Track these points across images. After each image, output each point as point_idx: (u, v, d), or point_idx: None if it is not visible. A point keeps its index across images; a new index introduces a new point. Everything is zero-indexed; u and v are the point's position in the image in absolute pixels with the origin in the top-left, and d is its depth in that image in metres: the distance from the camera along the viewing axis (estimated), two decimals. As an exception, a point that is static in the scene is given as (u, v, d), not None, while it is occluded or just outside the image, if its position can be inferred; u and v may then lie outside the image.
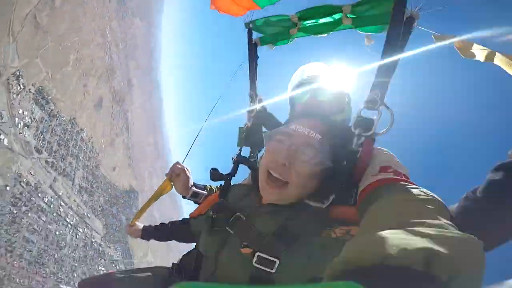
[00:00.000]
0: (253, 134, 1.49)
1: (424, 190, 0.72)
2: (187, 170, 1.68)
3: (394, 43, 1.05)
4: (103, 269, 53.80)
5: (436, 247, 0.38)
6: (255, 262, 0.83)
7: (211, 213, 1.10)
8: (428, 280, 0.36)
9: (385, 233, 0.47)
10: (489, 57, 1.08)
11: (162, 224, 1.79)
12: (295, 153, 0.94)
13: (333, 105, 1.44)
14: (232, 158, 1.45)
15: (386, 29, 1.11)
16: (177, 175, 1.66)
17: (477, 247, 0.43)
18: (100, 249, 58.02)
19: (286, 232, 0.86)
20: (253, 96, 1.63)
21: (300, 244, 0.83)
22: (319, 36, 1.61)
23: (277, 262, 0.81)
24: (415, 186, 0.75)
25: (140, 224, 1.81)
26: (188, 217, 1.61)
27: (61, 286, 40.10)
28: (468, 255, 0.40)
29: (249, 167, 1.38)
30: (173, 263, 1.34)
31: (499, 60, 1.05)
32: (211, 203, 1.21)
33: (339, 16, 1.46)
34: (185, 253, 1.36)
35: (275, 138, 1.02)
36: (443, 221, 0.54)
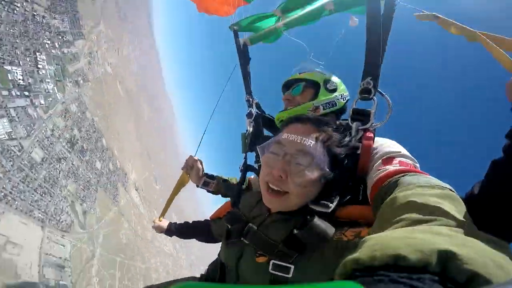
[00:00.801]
0: (255, 139, 1.50)
1: (437, 181, 0.68)
2: (199, 160, 1.79)
3: (375, 20, 0.99)
4: (49, 42, 42.63)
5: (454, 248, 0.35)
6: (271, 270, 0.83)
7: (226, 224, 1.11)
8: (444, 282, 0.33)
9: (399, 232, 0.44)
10: (470, 36, 1.03)
11: (186, 222, 1.92)
12: (290, 163, 0.90)
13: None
14: (239, 167, 1.51)
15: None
16: (191, 167, 1.78)
17: (503, 247, 0.39)
18: (44, 21, 41.49)
19: (296, 239, 0.84)
20: (250, 101, 1.67)
21: (312, 249, 0.81)
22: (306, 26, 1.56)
23: (292, 267, 0.81)
24: (426, 177, 0.71)
25: (166, 221, 1.96)
26: (208, 218, 1.66)
27: (5, 67, 29.16)
28: (490, 256, 0.36)
29: (256, 174, 1.41)
30: (201, 274, 1.36)
31: (479, 38, 1.00)
32: (228, 209, 1.22)
33: (321, 2, 1.44)
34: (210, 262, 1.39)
35: (269, 149, 0.98)
36: (460, 217, 0.51)
